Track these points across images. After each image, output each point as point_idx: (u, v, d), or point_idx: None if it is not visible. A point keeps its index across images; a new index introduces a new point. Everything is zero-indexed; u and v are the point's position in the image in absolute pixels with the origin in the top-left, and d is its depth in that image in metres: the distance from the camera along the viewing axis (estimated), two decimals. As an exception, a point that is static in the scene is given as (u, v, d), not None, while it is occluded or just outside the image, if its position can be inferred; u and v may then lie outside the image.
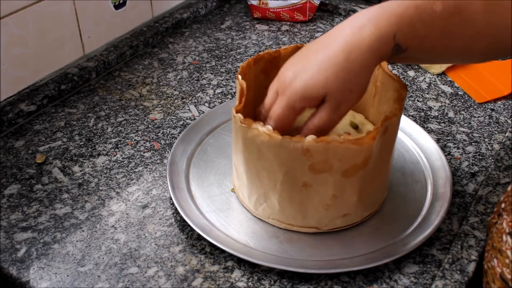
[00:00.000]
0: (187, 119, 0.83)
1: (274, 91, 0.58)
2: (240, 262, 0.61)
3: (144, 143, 0.78)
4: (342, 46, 0.52)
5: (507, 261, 0.50)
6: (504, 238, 0.51)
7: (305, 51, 0.57)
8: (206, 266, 0.60)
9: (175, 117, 0.83)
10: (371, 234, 0.63)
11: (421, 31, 0.53)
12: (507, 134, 0.79)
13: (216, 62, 0.96)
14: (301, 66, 0.55)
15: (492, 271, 0.51)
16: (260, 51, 0.99)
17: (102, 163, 0.74)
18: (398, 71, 0.94)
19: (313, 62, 0.54)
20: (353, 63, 0.52)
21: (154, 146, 0.77)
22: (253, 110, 0.71)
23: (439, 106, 0.85)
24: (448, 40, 0.54)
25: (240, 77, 0.63)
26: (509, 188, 0.55)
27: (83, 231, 0.65)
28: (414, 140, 0.75)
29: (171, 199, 0.68)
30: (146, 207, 0.68)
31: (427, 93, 0.88)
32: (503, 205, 0.54)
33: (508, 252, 0.50)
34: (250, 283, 0.59)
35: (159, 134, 0.80)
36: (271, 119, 0.57)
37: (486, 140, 0.78)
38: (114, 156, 0.76)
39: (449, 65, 0.92)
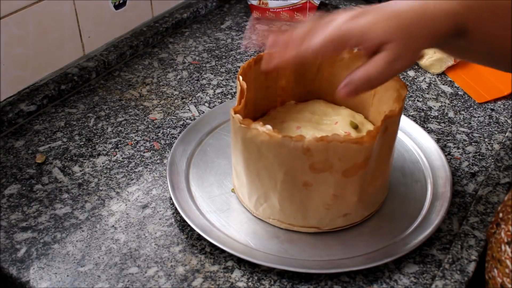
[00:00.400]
0: (187, 119, 0.83)
1: (315, 23, 0.54)
2: (240, 262, 0.61)
3: (144, 143, 0.78)
4: (410, 7, 0.52)
5: (507, 270, 0.50)
6: (503, 247, 0.51)
7: (366, 7, 0.55)
8: (206, 266, 0.60)
9: (175, 117, 0.83)
10: (371, 234, 0.63)
11: (484, 15, 0.53)
12: (507, 134, 0.79)
13: (216, 62, 0.96)
14: (364, 11, 0.53)
15: (493, 281, 0.51)
16: (260, 51, 0.99)
17: (102, 163, 0.74)
18: (398, 71, 0.94)
19: (379, 11, 0.53)
20: (420, 24, 0.52)
21: (154, 146, 0.77)
22: (253, 110, 0.71)
23: (439, 106, 0.85)
24: (507, 33, 0.54)
25: (241, 78, 0.63)
26: (506, 197, 0.55)
27: (83, 231, 0.65)
28: (414, 140, 0.75)
29: (171, 199, 0.68)
30: (146, 207, 0.68)
31: (427, 93, 0.88)
32: (500, 215, 0.54)
33: (508, 262, 0.50)
34: (250, 283, 0.59)
35: (159, 134, 0.80)
36: (313, 41, 0.52)
37: (486, 140, 0.78)
38: (114, 156, 0.76)
39: (449, 65, 0.92)
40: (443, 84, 0.90)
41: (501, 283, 0.50)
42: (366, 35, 0.52)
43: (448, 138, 0.78)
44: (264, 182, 0.60)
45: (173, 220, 0.66)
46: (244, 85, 0.62)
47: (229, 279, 0.59)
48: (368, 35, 0.52)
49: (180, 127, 0.81)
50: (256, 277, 0.59)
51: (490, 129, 0.80)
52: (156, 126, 0.81)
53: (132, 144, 0.78)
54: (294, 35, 0.54)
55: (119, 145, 0.77)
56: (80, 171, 0.73)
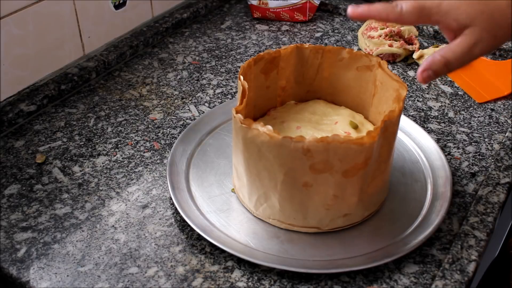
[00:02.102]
0: (187, 119, 0.83)
1: None
2: (240, 262, 0.61)
3: (144, 143, 0.78)
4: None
5: None
6: None
7: None
8: (206, 266, 0.60)
9: (175, 117, 0.83)
10: (372, 234, 0.63)
11: None
12: (507, 134, 0.79)
13: (216, 62, 0.96)
14: None
15: None
16: (260, 51, 0.99)
17: (102, 163, 0.74)
18: (398, 71, 0.94)
19: None
20: (505, 13, 0.52)
21: (154, 146, 0.77)
22: (253, 110, 0.71)
23: (439, 106, 0.85)
24: None
25: (242, 77, 0.63)
26: None
27: (83, 231, 0.65)
28: (414, 140, 0.75)
29: (171, 199, 0.68)
30: (146, 207, 0.68)
31: (427, 93, 0.88)
32: None
33: None
34: (250, 283, 0.59)
35: (159, 134, 0.80)
36: (403, 5, 0.54)
37: (486, 140, 0.78)
38: (114, 156, 0.76)
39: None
40: (443, 84, 0.90)
41: None
42: (449, 15, 0.53)
43: (448, 138, 0.78)
44: (264, 183, 0.60)
45: (173, 220, 0.66)
46: (246, 84, 0.62)
47: (229, 279, 0.59)
48: (451, 15, 0.53)
49: (180, 127, 0.81)
50: (256, 277, 0.59)
51: (490, 129, 0.80)
52: (156, 126, 0.81)
53: (132, 144, 0.78)
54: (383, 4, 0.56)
55: (119, 145, 0.77)
56: (80, 171, 0.73)
